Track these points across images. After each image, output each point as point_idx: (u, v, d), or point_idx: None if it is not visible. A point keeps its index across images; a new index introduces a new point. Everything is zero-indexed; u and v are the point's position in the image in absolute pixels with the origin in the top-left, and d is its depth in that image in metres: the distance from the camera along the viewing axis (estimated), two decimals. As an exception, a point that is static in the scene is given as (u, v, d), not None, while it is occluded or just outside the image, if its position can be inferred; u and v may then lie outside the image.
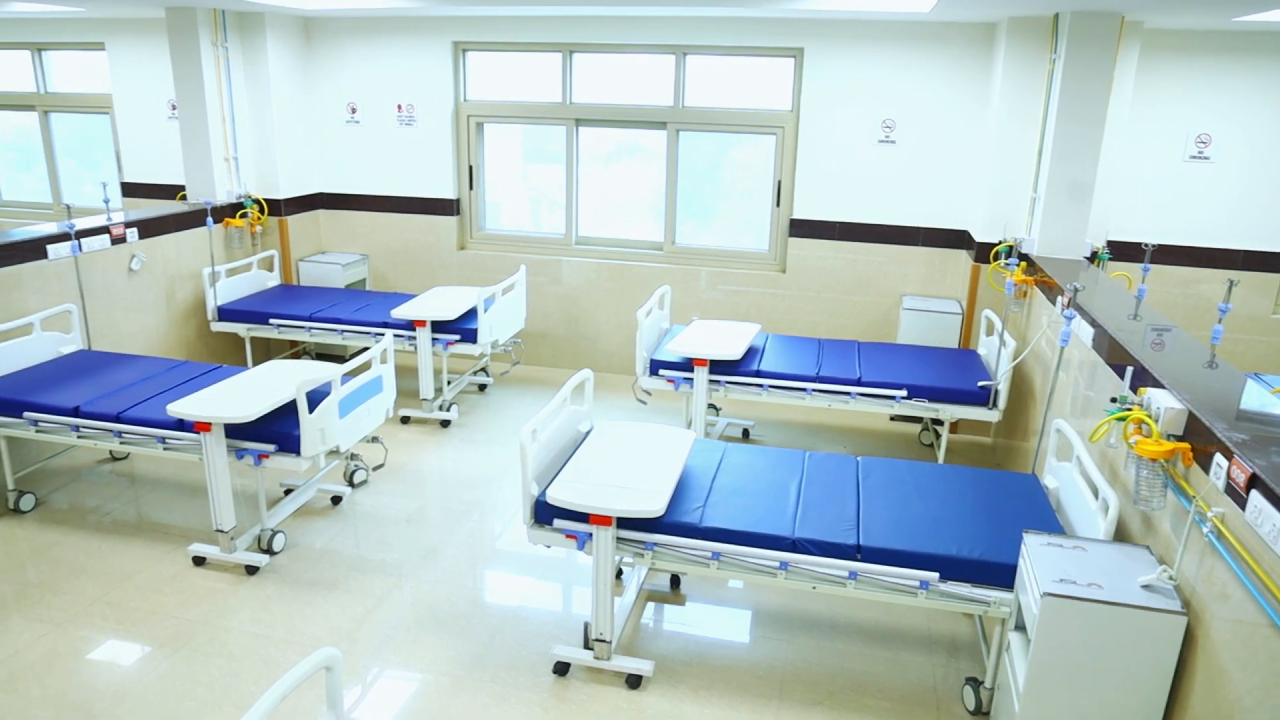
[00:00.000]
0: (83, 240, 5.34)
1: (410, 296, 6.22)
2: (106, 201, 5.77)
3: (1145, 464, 2.70)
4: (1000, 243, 5.43)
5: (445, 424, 5.80)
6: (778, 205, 6.40)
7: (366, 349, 6.58)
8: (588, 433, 3.89)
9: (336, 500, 4.78)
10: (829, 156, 6.13)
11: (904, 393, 4.81)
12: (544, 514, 3.36)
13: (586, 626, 3.50)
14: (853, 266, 6.27)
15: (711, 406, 5.90)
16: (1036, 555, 2.71)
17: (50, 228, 5.33)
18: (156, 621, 3.77)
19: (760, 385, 5.00)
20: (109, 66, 7.40)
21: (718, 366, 5.00)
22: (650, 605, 3.96)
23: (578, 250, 6.83)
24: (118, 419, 4.23)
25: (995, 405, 4.71)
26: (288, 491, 4.69)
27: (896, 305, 6.18)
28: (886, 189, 6.08)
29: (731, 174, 6.76)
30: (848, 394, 4.91)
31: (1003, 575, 3.05)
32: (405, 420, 5.84)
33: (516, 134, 7.01)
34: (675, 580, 4.11)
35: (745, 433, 5.81)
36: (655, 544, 3.28)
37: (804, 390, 4.94)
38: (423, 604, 3.93)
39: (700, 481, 3.59)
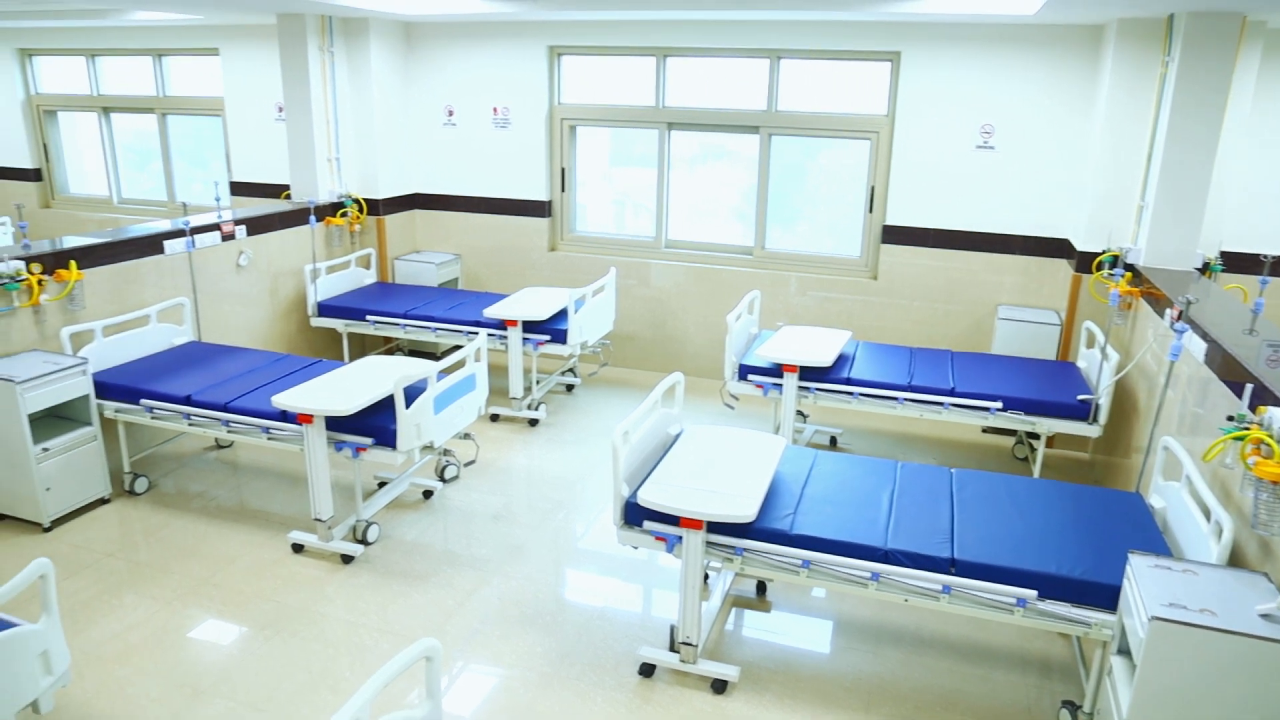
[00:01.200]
0: (196, 237, 5.59)
1: (502, 296, 6.33)
2: (218, 200, 6.04)
3: (1265, 486, 2.58)
4: (1104, 252, 5.24)
5: (533, 423, 5.89)
6: (870, 211, 6.30)
7: (458, 347, 6.73)
8: (677, 436, 3.90)
9: (428, 494, 4.90)
10: (925, 162, 6.02)
11: (999, 404, 4.69)
12: (634, 515, 3.38)
13: (672, 629, 3.51)
14: (946, 274, 6.13)
15: (799, 413, 5.85)
16: (1143, 577, 2.61)
17: (165, 224, 5.60)
18: (258, 605, 3.92)
19: (850, 393, 4.93)
20: (222, 71, 7.73)
21: (808, 373, 4.95)
22: (735, 611, 3.95)
23: (667, 253, 6.86)
24: (226, 409, 4.42)
25: (1096, 420, 4.55)
26: (382, 484, 4.82)
27: (991, 315, 6.02)
28: (983, 196, 5.94)
29: (818, 179, 6.70)
30: (940, 404, 4.81)
31: (1105, 596, 2.94)
32: (494, 418, 5.94)
33: (602, 136, 7.07)
34: (761, 586, 4.08)
35: (833, 440, 5.74)
36: (745, 549, 3.27)
37: (895, 399, 4.86)
38: (509, 600, 4.00)
39: (791, 488, 3.56)
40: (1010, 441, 5.89)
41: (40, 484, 4.39)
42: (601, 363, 6.95)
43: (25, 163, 8.99)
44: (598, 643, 3.70)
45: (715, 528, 3.27)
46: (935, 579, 3.10)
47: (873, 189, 6.25)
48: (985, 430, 6.00)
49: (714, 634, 3.77)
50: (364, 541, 4.34)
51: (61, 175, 9.10)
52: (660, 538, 3.33)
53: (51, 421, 4.58)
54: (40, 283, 4.64)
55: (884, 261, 6.25)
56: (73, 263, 4.80)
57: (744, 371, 5.13)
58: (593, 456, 5.46)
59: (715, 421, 5.92)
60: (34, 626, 2.50)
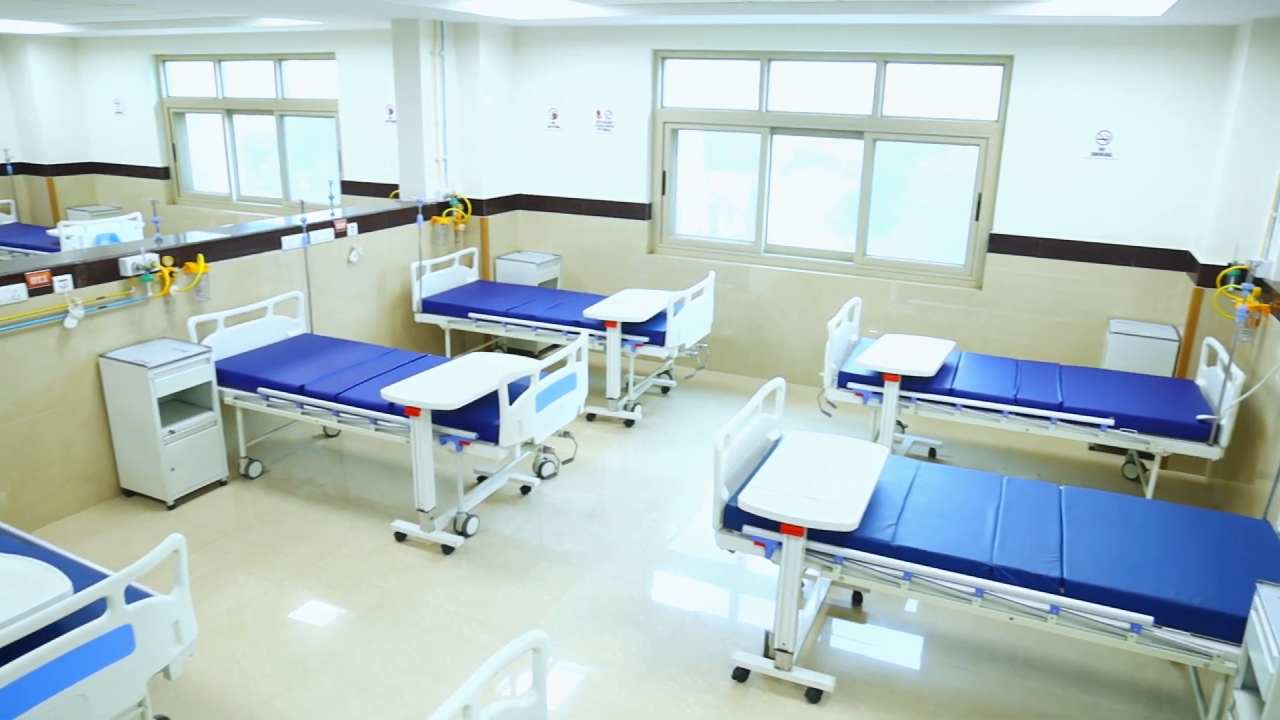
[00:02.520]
0: (311, 234, 5.82)
1: (600, 297, 6.40)
2: (332, 199, 6.27)
3: None
4: (1230, 265, 5.00)
5: (629, 424, 5.94)
6: (976, 219, 6.15)
7: (556, 346, 6.84)
8: (777, 441, 3.88)
9: (525, 490, 4.99)
10: (1036, 169, 5.84)
11: (1111, 421, 4.52)
12: (734, 519, 3.38)
13: (768, 635, 3.50)
14: (1055, 285, 5.94)
15: (897, 423, 5.73)
16: (1274, 610, 2.48)
17: (281, 221, 5.85)
18: (362, 590, 4.05)
19: (953, 404, 4.82)
20: (337, 75, 8.03)
21: (909, 382, 4.87)
22: (830, 620, 3.91)
23: (766, 258, 6.82)
24: (337, 399, 4.59)
25: (1217, 442, 4.34)
26: (481, 479, 4.94)
27: (1102, 328, 5.80)
28: (1098, 205, 5.72)
29: (916, 185, 6.57)
30: (1047, 419, 4.66)
31: (1229, 627, 2.81)
32: (591, 417, 6.01)
33: (696, 139, 7.09)
34: (858, 597, 4.03)
35: (932, 452, 5.62)
36: (845, 558, 3.24)
37: (1000, 412, 4.73)
38: (603, 597, 4.04)
39: (892, 499, 3.51)
40: (1120, 461, 5.66)
41: (166, 464, 4.64)
42: (698, 366, 6.96)
43: (156, 161, 9.51)
44: (690, 644, 3.71)
45: (815, 535, 3.24)
46: (1043, 598, 3.01)
47: (980, 196, 6.10)
48: (1092, 448, 5.78)
49: (808, 642, 3.74)
50: (464, 533, 4.45)
51: (187, 173, 9.59)
52: (759, 543, 3.32)
53: (176, 406, 4.84)
54: (171, 274, 4.91)
55: (990, 271, 6.09)
56: (200, 256, 5.06)
57: (843, 379, 5.07)
58: (686, 459, 5.47)
59: (811, 428, 5.86)
60: (167, 597, 2.65)
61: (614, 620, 3.87)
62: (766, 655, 3.50)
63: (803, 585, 3.91)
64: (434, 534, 4.39)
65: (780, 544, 3.26)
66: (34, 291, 4.35)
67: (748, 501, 3.21)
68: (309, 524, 4.64)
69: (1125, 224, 5.68)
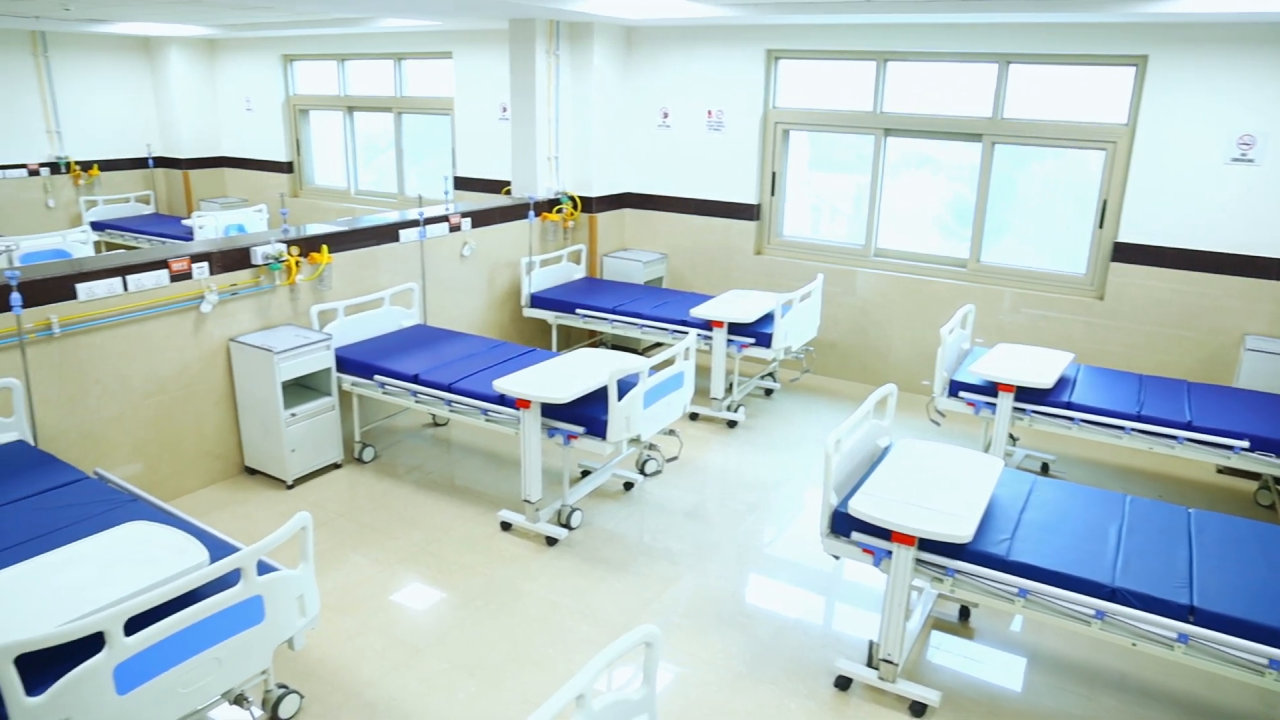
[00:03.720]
0: (427, 227, 5.99)
1: (706, 297, 6.40)
2: (447, 194, 6.44)
3: None
4: (1384, 282, 4.67)
5: (732, 424, 5.92)
6: (1100, 226, 5.91)
7: (660, 344, 6.87)
8: (887, 449, 3.82)
9: (628, 486, 5.03)
10: (1168, 175, 5.57)
11: (1245, 444, 4.28)
12: (841, 525, 3.33)
13: (872, 645, 3.44)
14: (1184, 298, 5.65)
15: (1009, 435, 5.56)
16: None
17: (395, 215, 6.04)
18: (469, 576, 4.16)
19: (1070, 418, 4.65)
20: (454, 73, 8.24)
21: (1024, 394, 4.71)
22: (935, 633, 3.82)
23: (875, 262, 6.70)
24: (449, 389, 4.72)
25: (1365, 469, 4.07)
26: (585, 473, 5.00)
27: (1237, 345, 5.50)
28: (1237, 214, 5.42)
29: (1031, 190, 6.34)
30: (1173, 438, 4.44)
31: (1378, 667, 2.63)
32: (694, 417, 6.02)
33: (801, 140, 7.00)
34: (965, 611, 3.92)
35: (1044, 467, 5.42)
36: (957, 571, 3.16)
37: (1121, 429, 4.54)
38: (703, 597, 4.04)
39: (1007, 513, 3.40)
40: (1252, 486, 5.35)
41: (287, 446, 4.85)
42: (803, 369, 6.89)
43: (281, 156, 9.95)
44: (791, 649, 3.68)
45: (927, 545, 3.17)
46: (1170, 625, 2.87)
47: (1104, 203, 5.85)
48: (1221, 470, 5.49)
49: (912, 654, 3.66)
50: (568, 526, 4.51)
51: (309, 168, 10.00)
52: (868, 550, 3.27)
53: (297, 390, 5.05)
54: (297, 264, 5.13)
55: (1113, 281, 5.84)
56: (324, 247, 5.28)
57: (954, 388, 4.94)
58: (788, 462, 5.43)
59: (918, 437, 5.73)
60: (294, 572, 2.78)
61: (714, 620, 3.87)
62: (870, 665, 3.44)
63: (910, 596, 3.84)
64: (539, 525, 4.47)
65: (890, 553, 3.20)
66: (175, 277, 4.61)
67: (858, 508, 3.16)
68: (418, 509, 4.78)
69: (1268, 234, 5.36)
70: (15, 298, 3.97)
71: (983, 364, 4.84)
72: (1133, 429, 4.52)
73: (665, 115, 7.22)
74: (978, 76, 6.13)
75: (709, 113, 7.02)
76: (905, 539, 3.13)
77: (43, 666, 2.26)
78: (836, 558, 3.50)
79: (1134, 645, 2.95)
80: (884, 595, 3.28)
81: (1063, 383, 4.88)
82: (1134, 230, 5.73)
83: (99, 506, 3.32)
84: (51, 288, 4.17)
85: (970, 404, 4.88)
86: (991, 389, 4.79)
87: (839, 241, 6.93)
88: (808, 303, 5.94)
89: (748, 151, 6.94)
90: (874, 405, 3.71)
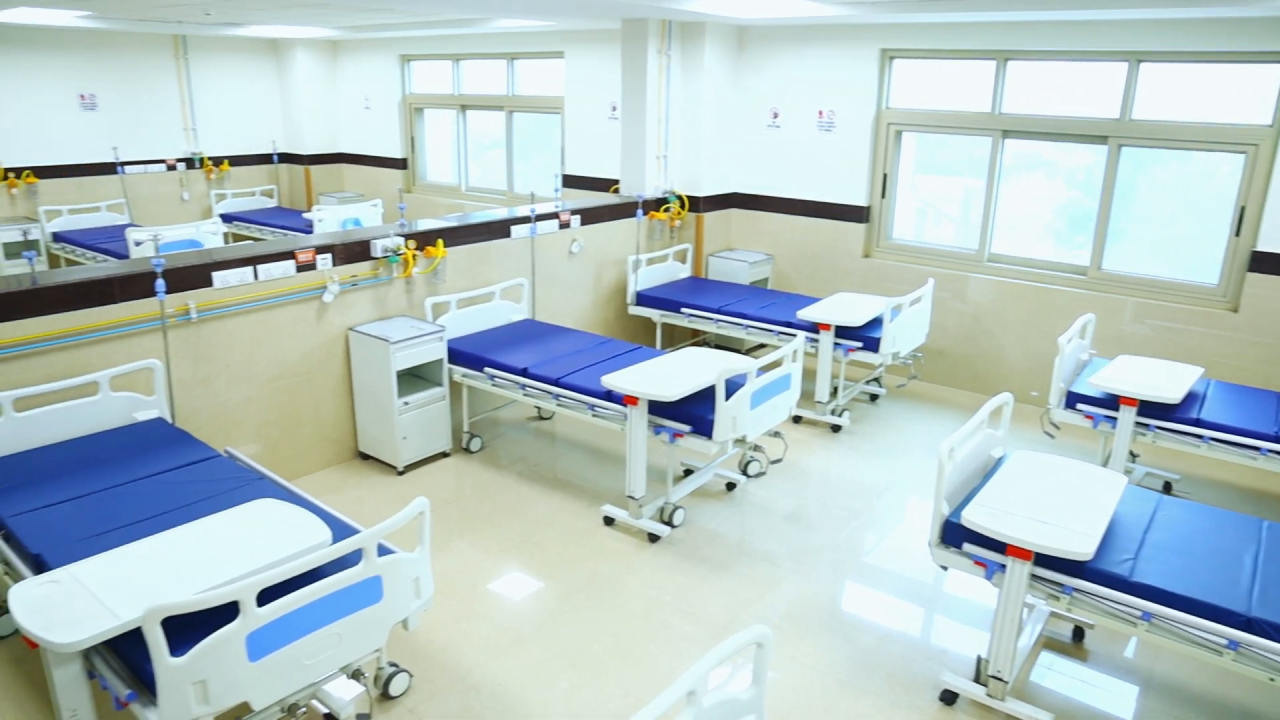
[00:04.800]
0: (539, 224, 6.10)
1: (812, 299, 6.33)
2: (556, 192, 6.54)
3: None
4: None
5: (836, 429, 5.84)
6: (1237, 234, 5.59)
7: (763, 345, 6.84)
8: (1000, 460, 3.71)
9: (730, 486, 5.02)
10: (1315, 181, 5.24)
11: (1397, 470, 3.99)
12: (952, 536, 3.25)
13: (980, 660, 3.35)
14: (1329, 312, 5.31)
15: (1129, 451, 5.33)
16: None
17: (504, 212, 6.17)
18: (570, 568, 4.22)
19: (1199, 436, 4.42)
20: (565, 73, 8.36)
21: (1147, 409, 4.50)
22: (1046, 653, 3.69)
23: (989, 267, 6.51)
24: (557, 383, 4.80)
25: None
26: (688, 472, 5.01)
27: (1387, 364, 5.13)
28: (1392, 224, 5.06)
29: (1151, 194, 6.03)
30: (1315, 461, 4.18)
31: None
32: (797, 420, 5.97)
33: (910, 141, 6.84)
34: (1079, 632, 3.78)
35: (1167, 486, 5.17)
36: (1075, 589, 3.04)
37: (1257, 449, 4.29)
38: (803, 601, 4.00)
39: (1130, 532, 3.26)
40: (1399, 514, 4.99)
41: (399, 433, 5.01)
42: (911, 375, 6.75)
43: (396, 153, 10.28)
44: (894, 659, 3.62)
45: (1043, 561, 3.07)
46: (1312, 659, 2.70)
47: (1242, 209, 5.54)
48: (1365, 497, 5.13)
49: (1022, 673, 3.54)
50: (670, 523, 4.53)
51: (422, 164, 10.30)
52: (980, 562, 3.18)
53: (410, 380, 5.21)
54: (414, 257, 5.30)
55: (1249, 292, 5.52)
56: (440, 241, 5.43)
57: (1072, 399, 4.76)
58: (892, 470, 5.32)
59: (1031, 449, 5.55)
60: (412, 555, 2.87)
61: (815, 625, 3.83)
62: (978, 681, 3.35)
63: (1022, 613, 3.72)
64: (641, 521, 4.51)
65: (1003, 566, 3.11)
66: (301, 268, 4.82)
67: (972, 518, 3.08)
68: (521, 500, 4.88)
69: None
70: (159, 284, 4.23)
71: (1103, 376, 4.64)
72: (1270, 450, 4.27)
73: (775, 115, 7.17)
74: (1104, 76, 5.88)
75: (820, 113, 6.94)
76: (1021, 553, 3.03)
77: (178, 631, 2.39)
78: (944, 568, 3.42)
79: (1272, 681, 2.79)
80: (995, 610, 3.18)
81: (1191, 398, 4.64)
82: (1276, 239, 5.40)
83: (230, 483, 3.50)
84: (190, 275, 4.41)
85: (1088, 417, 4.70)
86: (1112, 402, 4.59)
87: (951, 246, 6.75)
88: (918, 307, 5.81)
89: (858, 152, 6.83)
90: (989, 414, 3.61)
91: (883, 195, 6.89)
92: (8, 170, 8.57)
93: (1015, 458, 3.62)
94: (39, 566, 2.92)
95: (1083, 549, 2.90)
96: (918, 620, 3.93)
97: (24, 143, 8.65)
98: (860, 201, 6.91)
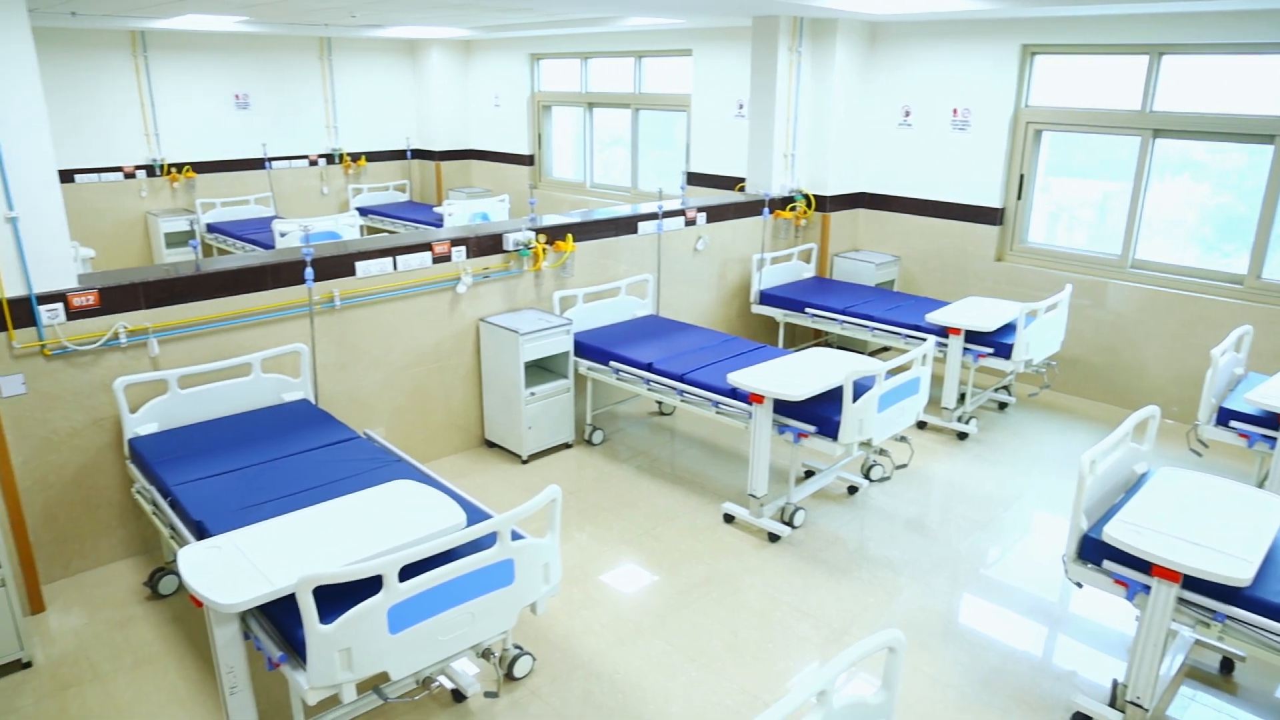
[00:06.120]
0: (665, 221, 6.15)
1: (939, 302, 6.17)
2: (682, 189, 6.57)
3: None
4: None
5: (962, 436, 5.68)
6: None
7: (887, 348, 6.71)
8: (1144, 476, 3.53)
9: (852, 490, 4.95)
10: None
11: None
12: (1091, 551, 3.12)
13: (1116, 685, 3.20)
14: None
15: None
16: None
17: (628, 209, 6.23)
18: (690, 564, 4.25)
19: (1370, 460, 4.10)
20: (693, 71, 8.39)
21: (1312, 428, 4.21)
22: (1188, 683, 3.50)
23: (1132, 274, 6.19)
24: (682, 379, 4.83)
25: None
26: (809, 473, 4.96)
27: None
28: None
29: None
30: None
31: None
32: (922, 425, 5.83)
33: (1045, 141, 6.55)
34: (1227, 664, 3.57)
35: (1328, 512, 4.81)
36: (1228, 616, 2.87)
37: None
38: (925, 609, 3.91)
39: (1291, 558, 3.06)
40: None
41: (525, 423, 5.15)
42: (1044, 384, 6.49)
43: (523, 150, 10.53)
44: (1020, 677, 3.50)
45: (1192, 584, 2.91)
46: None
47: None
48: None
49: (1161, 702, 3.37)
50: (790, 524, 4.51)
51: (548, 161, 10.51)
52: (1121, 581, 3.05)
53: (536, 371, 5.34)
54: (544, 251, 5.42)
55: None
56: (569, 236, 5.54)
57: (1224, 416, 4.49)
58: (1020, 481, 5.13)
59: (1173, 466, 5.26)
60: (543, 541, 2.95)
61: (936, 636, 3.74)
62: (1114, 706, 3.20)
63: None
64: (762, 520, 4.49)
65: (1148, 587, 2.97)
66: (437, 259, 5.00)
67: (1115, 535, 2.95)
68: (642, 494, 4.93)
69: None
70: (308, 272, 4.46)
71: (1263, 391, 4.35)
72: None
73: (907, 114, 7.00)
74: (1270, 70, 5.50)
75: (954, 111, 6.74)
76: (1169, 574, 2.88)
77: (324, 600, 2.53)
78: (1079, 585, 3.28)
79: None
80: (1136, 633, 3.04)
81: (1361, 419, 4.31)
82: None
83: (369, 464, 3.67)
84: (335, 265, 4.64)
85: (1243, 435, 4.42)
86: (1271, 420, 4.31)
87: (1091, 251, 6.45)
88: (1054, 314, 5.59)
89: (994, 152, 6.61)
90: (1133, 427, 3.45)
91: (1019, 197, 6.64)
92: (170, 165, 9.20)
93: (1162, 474, 3.44)
94: (201, 533, 3.14)
95: (1240, 574, 2.74)
96: (1043, 639, 3.78)
97: (185, 140, 9.28)
98: (994, 203, 6.68)
